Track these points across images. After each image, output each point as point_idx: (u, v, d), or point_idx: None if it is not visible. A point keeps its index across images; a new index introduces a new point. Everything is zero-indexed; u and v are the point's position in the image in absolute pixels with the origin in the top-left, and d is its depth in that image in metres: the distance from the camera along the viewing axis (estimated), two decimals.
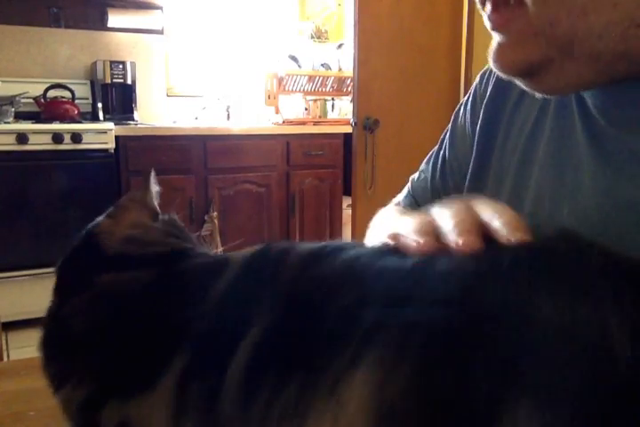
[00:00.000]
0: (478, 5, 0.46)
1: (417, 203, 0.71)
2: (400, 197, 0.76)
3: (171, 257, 0.40)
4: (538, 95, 0.48)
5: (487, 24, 0.44)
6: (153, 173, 0.51)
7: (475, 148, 0.60)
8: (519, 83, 0.45)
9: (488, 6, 0.43)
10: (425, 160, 0.72)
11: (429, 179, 0.69)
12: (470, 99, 0.65)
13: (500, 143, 0.58)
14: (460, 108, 0.68)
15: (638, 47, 0.38)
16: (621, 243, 0.44)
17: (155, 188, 0.49)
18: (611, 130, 0.46)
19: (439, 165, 0.68)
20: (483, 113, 0.61)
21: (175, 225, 0.46)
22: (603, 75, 0.42)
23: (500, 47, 0.43)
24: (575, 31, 0.39)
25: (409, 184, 0.74)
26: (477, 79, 0.65)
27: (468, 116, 0.65)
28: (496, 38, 0.43)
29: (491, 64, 0.44)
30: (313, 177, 3.07)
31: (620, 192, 0.45)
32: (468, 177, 0.61)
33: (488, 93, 0.60)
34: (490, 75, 0.62)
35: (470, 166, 0.61)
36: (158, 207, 0.49)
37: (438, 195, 0.67)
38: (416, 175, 0.73)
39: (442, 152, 0.68)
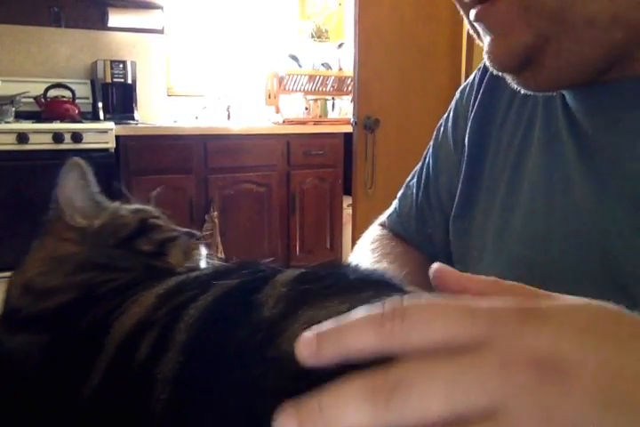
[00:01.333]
0: (462, 12, 0.45)
1: (401, 222, 0.72)
2: (387, 214, 0.76)
3: (66, 314, 0.34)
4: (534, 93, 0.46)
5: (477, 24, 0.43)
6: (80, 163, 0.42)
7: (464, 164, 0.60)
8: (514, 83, 0.44)
9: (472, 11, 0.42)
10: (409, 177, 0.72)
11: (414, 197, 0.69)
12: (451, 115, 0.65)
13: (491, 159, 0.57)
14: (440, 126, 0.67)
15: (627, 8, 0.38)
16: (617, 259, 0.44)
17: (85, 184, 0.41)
18: (595, 136, 0.46)
19: (422, 184, 0.68)
20: (469, 130, 0.60)
21: (105, 242, 0.39)
22: (602, 48, 0.40)
23: (493, 41, 0.42)
24: None
25: (396, 200, 0.74)
26: (457, 95, 0.65)
27: (449, 132, 0.65)
28: (487, 38, 0.43)
29: (487, 62, 0.43)
30: (313, 177, 3.07)
31: (611, 206, 0.44)
32: (458, 193, 0.60)
33: (474, 110, 0.60)
34: (470, 90, 0.62)
35: (460, 182, 0.60)
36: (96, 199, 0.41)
37: (422, 212, 0.68)
38: (402, 191, 0.73)
39: (424, 171, 0.68)
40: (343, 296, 0.28)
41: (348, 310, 0.25)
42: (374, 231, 0.75)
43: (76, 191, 0.42)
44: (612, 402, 0.21)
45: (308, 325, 0.25)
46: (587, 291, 0.44)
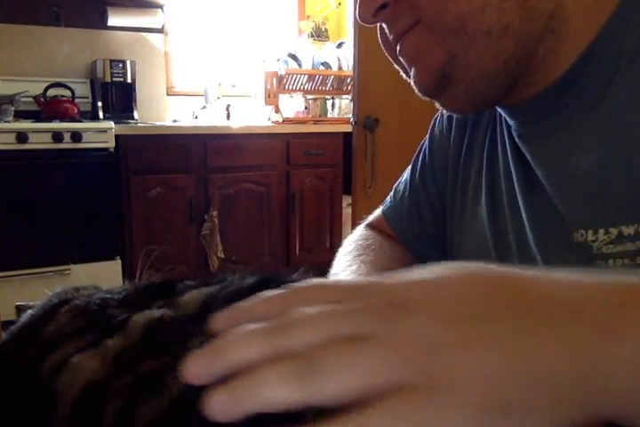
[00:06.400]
0: (390, 58, 0.52)
1: (394, 207, 0.74)
2: (374, 215, 0.78)
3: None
4: (459, 114, 0.53)
5: (401, 59, 0.49)
6: None
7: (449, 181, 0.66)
8: (441, 106, 0.50)
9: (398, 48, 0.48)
10: (402, 175, 0.76)
11: (409, 180, 0.72)
12: (427, 143, 0.71)
13: (460, 182, 0.63)
14: (423, 147, 0.73)
15: (514, 20, 0.43)
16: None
17: None
18: (527, 149, 0.51)
19: (419, 167, 0.71)
20: (451, 152, 0.65)
21: None
22: (499, 58, 0.45)
23: (415, 69, 0.48)
24: (462, 12, 0.43)
25: (392, 192, 0.76)
26: (432, 124, 0.71)
27: (427, 158, 0.70)
28: (412, 70, 0.49)
29: (416, 90, 0.49)
30: (313, 176, 3.07)
31: (548, 221, 0.49)
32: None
33: (452, 138, 0.66)
34: (441, 118, 0.69)
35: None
36: None
37: (417, 209, 0.71)
38: (395, 184, 0.76)
39: (421, 156, 0.72)
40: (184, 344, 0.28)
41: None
42: (356, 233, 0.77)
43: None
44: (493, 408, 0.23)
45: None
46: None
